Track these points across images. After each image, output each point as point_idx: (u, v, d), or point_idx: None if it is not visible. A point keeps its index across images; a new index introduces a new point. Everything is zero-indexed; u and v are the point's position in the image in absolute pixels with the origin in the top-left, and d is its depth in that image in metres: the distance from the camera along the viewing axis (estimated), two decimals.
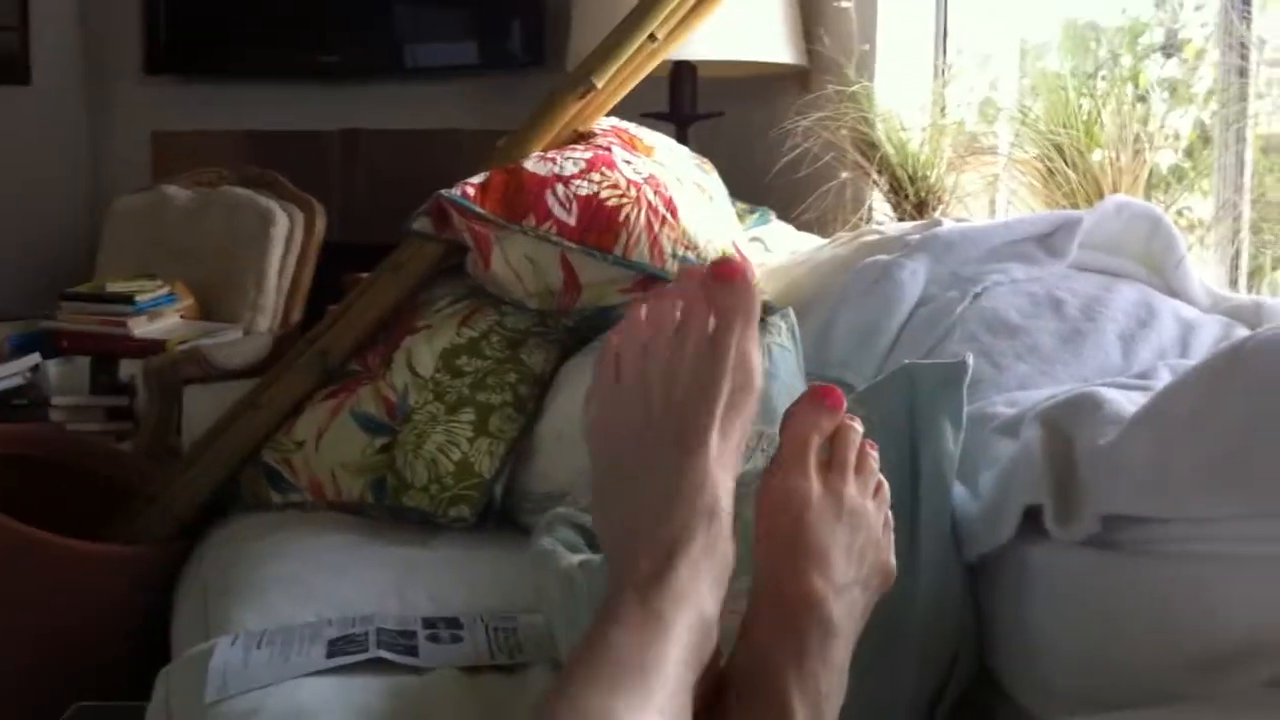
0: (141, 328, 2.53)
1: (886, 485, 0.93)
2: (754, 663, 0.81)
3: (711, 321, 0.84)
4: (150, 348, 2.46)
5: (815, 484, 0.87)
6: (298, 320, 2.71)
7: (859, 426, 0.91)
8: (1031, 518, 1.14)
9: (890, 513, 0.92)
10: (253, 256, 2.71)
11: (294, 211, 2.80)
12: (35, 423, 2.40)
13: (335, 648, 1.36)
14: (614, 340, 0.87)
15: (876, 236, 1.90)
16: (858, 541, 0.87)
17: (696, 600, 0.77)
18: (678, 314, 0.84)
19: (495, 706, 1.26)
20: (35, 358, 2.50)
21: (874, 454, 0.92)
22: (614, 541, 0.83)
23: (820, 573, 0.84)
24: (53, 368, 2.49)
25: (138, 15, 3.67)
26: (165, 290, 2.64)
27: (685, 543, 0.79)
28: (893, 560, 0.91)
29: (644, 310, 0.86)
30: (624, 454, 0.84)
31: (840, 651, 0.83)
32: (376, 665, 1.33)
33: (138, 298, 2.55)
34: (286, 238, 2.76)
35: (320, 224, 2.81)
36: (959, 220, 1.93)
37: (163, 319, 2.59)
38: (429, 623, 1.44)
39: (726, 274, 0.83)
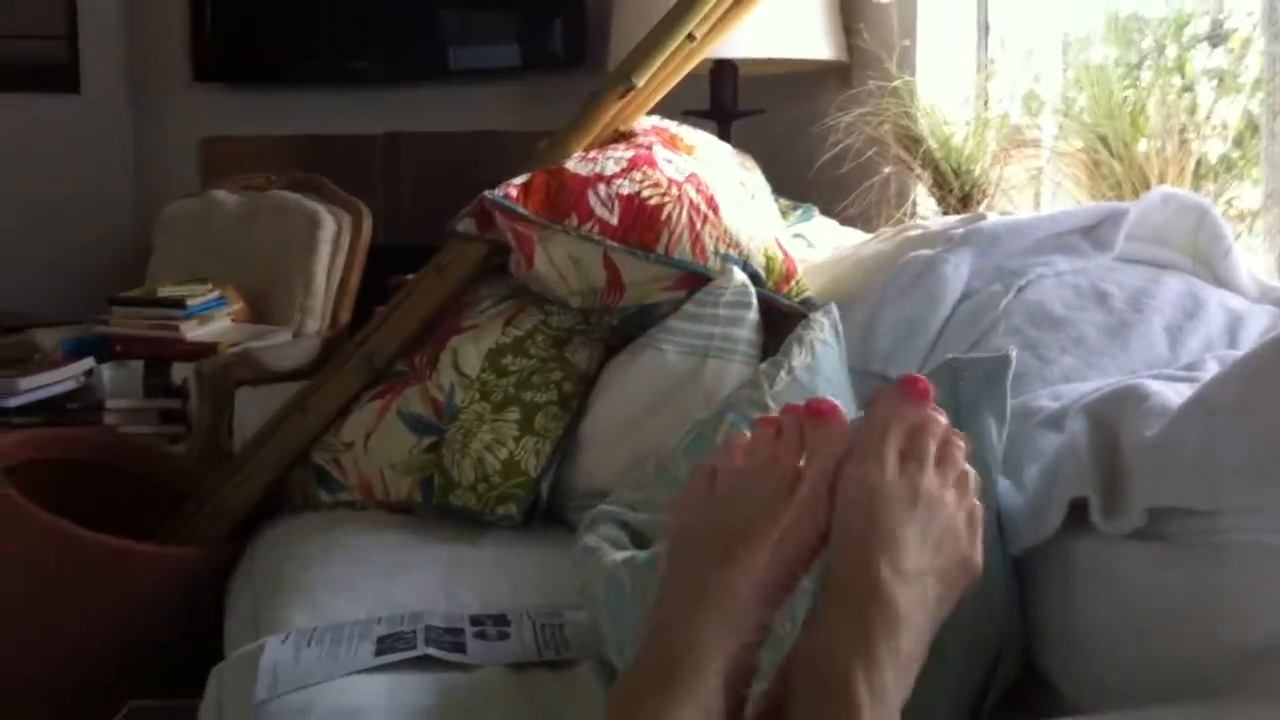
0: (193, 331, 2.56)
1: (975, 477, 0.92)
2: (818, 652, 0.82)
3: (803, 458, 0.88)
4: (202, 351, 2.49)
5: (889, 471, 0.87)
6: (346, 322, 2.73)
7: (943, 419, 0.91)
8: (1077, 511, 1.13)
9: (980, 506, 0.91)
10: (301, 260, 2.74)
11: (340, 215, 2.82)
12: (90, 426, 2.43)
13: (384, 645, 1.37)
14: (713, 459, 0.92)
15: (920, 231, 1.89)
16: (933, 531, 0.87)
17: (699, 700, 0.79)
18: (772, 446, 0.90)
19: (542, 703, 1.27)
20: (89, 362, 2.53)
21: (960, 445, 0.91)
22: (647, 634, 0.87)
23: (889, 561, 0.84)
24: (106, 371, 2.52)
25: (185, 24, 3.71)
26: (215, 294, 2.67)
27: (692, 647, 0.82)
28: (978, 555, 0.90)
29: (746, 435, 0.92)
30: (688, 561, 0.88)
31: (907, 642, 0.82)
32: (424, 662, 1.34)
33: (189, 301, 2.58)
34: (334, 241, 2.78)
35: (366, 226, 2.83)
36: (1003, 214, 1.92)
37: (213, 322, 2.62)
38: (476, 620, 1.45)
39: (818, 411, 0.89)
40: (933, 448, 0.89)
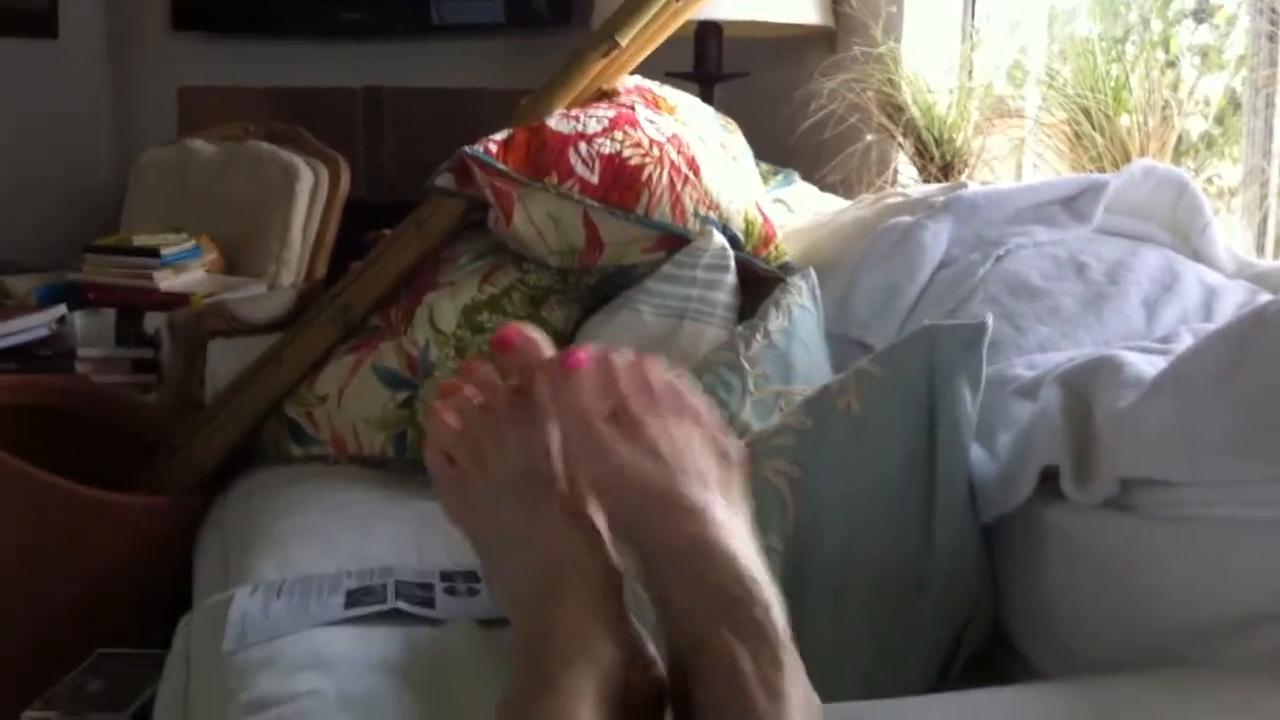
0: (167, 281, 2.54)
1: (674, 379, 0.87)
2: (682, 628, 0.79)
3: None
4: (175, 301, 2.47)
5: (618, 450, 0.82)
6: (321, 276, 2.71)
7: (613, 359, 0.85)
8: (1049, 480, 1.14)
9: (701, 395, 0.88)
10: (277, 211, 2.72)
11: (318, 167, 2.80)
12: (61, 374, 2.41)
13: (353, 599, 1.37)
14: (430, 445, 0.89)
15: (900, 199, 1.89)
16: (691, 459, 0.83)
17: (586, 647, 0.77)
18: (474, 396, 0.87)
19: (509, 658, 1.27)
20: (61, 309, 2.51)
21: (630, 362, 0.86)
22: (508, 613, 0.84)
23: (685, 513, 0.80)
24: (79, 319, 2.50)
25: None
26: (190, 244, 2.65)
27: (561, 593, 0.79)
28: (729, 438, 0.87)
29: (441, 404, 0.88)
30: (487, 530, 0.86)
31: (750, 568, 0.78)
32: (394, 616, 1.34)
33: (163, 251, 2.56)
34: (311, 193, 2.76)
35: (345, 180, 2.81)
36: (984, 183, 1.92)
37: (188, 272, 2.60)
38: (447, 576, 1.45)
39: (504, 342, 0.86)
40: (624, 394, 0.84)
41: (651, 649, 0.82)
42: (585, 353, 0.85)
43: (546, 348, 0.86)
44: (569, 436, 0.84)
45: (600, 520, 0.84)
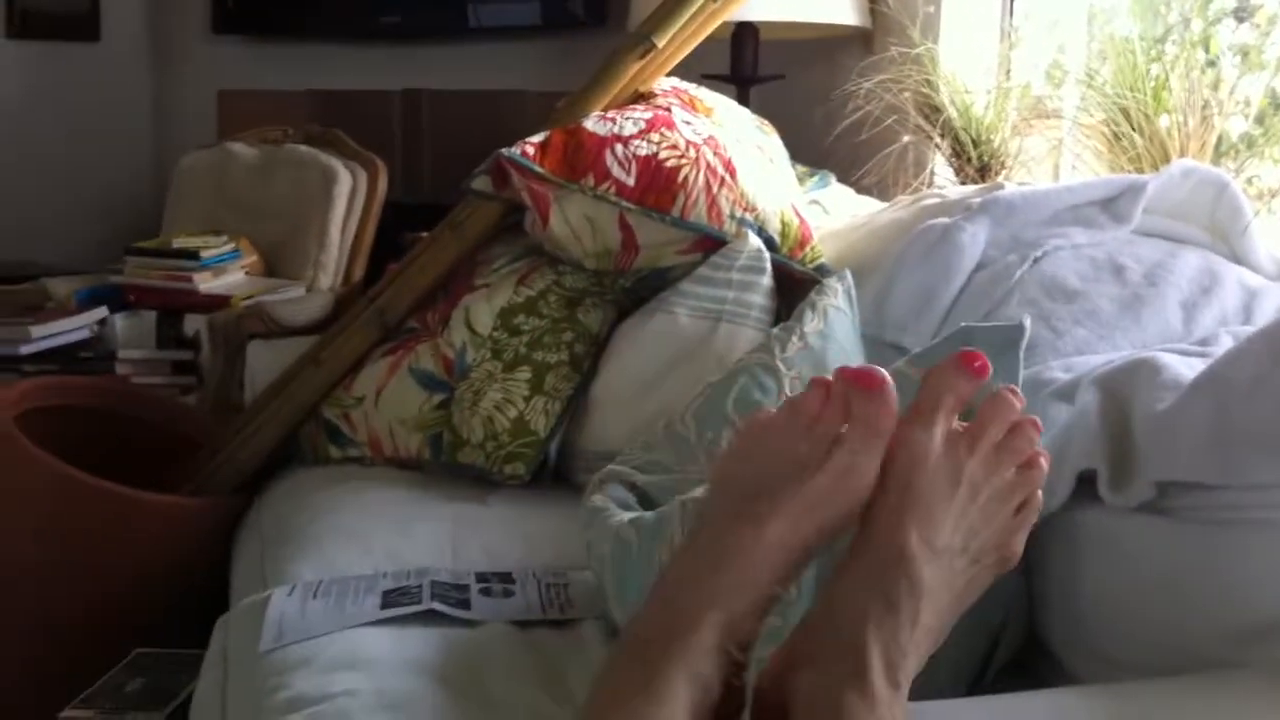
0: (206, 283, 2.56)
1: (1042, 468, 0.88)
2: (836, 610, 0.80)
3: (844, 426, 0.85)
4: (215, 303, 2.49)
5: (937, 442, 0.84)
6: (359, 278, 2.73)
7: (1016, 403, 0.88)
8: (1085, 483, 1.13)
9: (1039, 497, 0.89)
10: (316, 214, 2.74)
11: (356, 170, 2.81)
12: (102, 375, 2.44)
13: (389, 599, 1.38)
14: (759, 416, 0.89)
15: (937, 200, 1.88)
16: (972, 515, 0.84)
17: (696, 658, 0.77)
18: (817, 407, 0.86)
19: (545, 660, 1.28)
20: (103, 311, 2.53)
21: (1032, 436, 0.88)
22: (656, 585, 0.84)
23: (919, 531, 0.82)
24: (119, 321, 2.53)
25: None
26: (230, 246, 2.67)
27: (703, 612, 0.79)
28: (1018, 545, 0.88)
29: (794, 402, 0.88)
30: (709, 515, 0.86)
31: (928, 615, 0.81)
32: (429, 617, 1.35)
33: (203, 253, 2.58)
34: (349, 196, 2.77)
35: (382, 182, 2.82)
36: (1021, 184, 1.91)
37: (227, 275, 2.62)
38: (482, 577, 1.46)
39: (867, 382, 0.85)
40: (991, 431, 0.86)
41: (748, 692, 0.82)
42: (985, 362, 0.86)
43: (892, 417, 0.85)
44: (920, 397, 0.85)
45: (777, 572, 0.83)
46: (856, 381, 0.85)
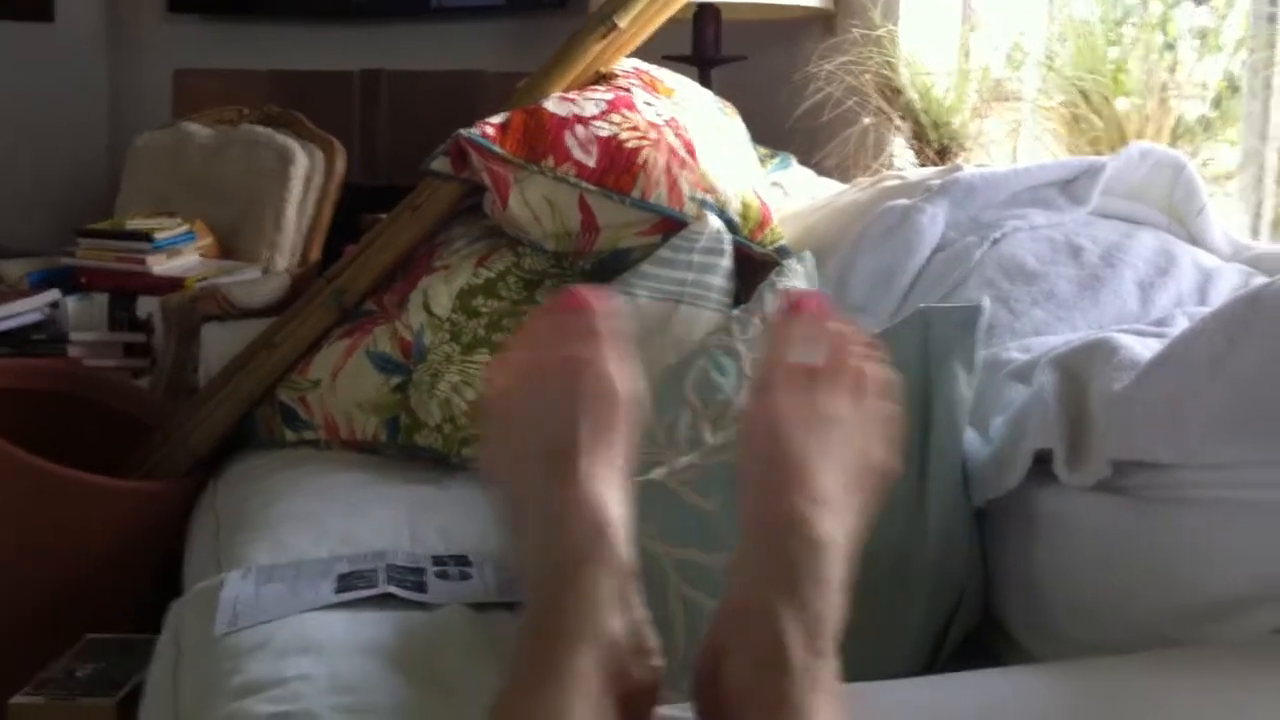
0: (160, 265, 2.53)
1: (880, 375, 0.88)
2: (744, 596, 0.79)
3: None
4: (169, 285, 2.46)
5: (785, 398, 0.84)
6: (316, 260, 2.70)
7: (843, 327, 0.88)
8: (1041, 462, 1.13)
9: (891, 403, 0.88)
10: (272, 195, 2.71)
11: (314, 151, 2.78)
12: (54, 358, 2.41)
13: (345, 583, 1.37)
14: (490, 390, 0.89)
15: (897, 182, 1.88)
16: (843, 451, 0.84)
17: (595, 625, 0.76)
18: (532, 354, 0.87)
19: (502, 643, 1.27)
20: (55, 293, 2.50)
21: (862, 345, 0.88)
22: (521, 581, 0.84)
23: (800, 489, 0.81)
24: (71, 304, 2.49)
25: None
26: (184, 228, 2.64)
27: (574, 571, 0.79)
28: (893, 459, 0.87)
29: (505, 359, 0.89)
30: (514, 491, 0.86)
31: (834, 568, 0.80)
32: (385, 600, 1.34)
33: (156, 235, 2.55)
34: (306, 177, 2.75)
35: (340, 164, 2.80)
36: (980, 166, 1.91)
37: (181, 257, 2.59)
38: (438, 560, 1.45)
39: (565, 306, 0.87)
40: (829, 361, 0.86)
41: (653, 638, 0.81)
42: (812, 299, 0.86)
43: (603, 315, 0.86)
44: (764, 362, 0.84)
45: (616, 505, 0.83)
46: (559, 308, 0.87)
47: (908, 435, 1.15)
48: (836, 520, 0.81)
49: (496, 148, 1.84)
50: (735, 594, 0.80)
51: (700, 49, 2.86)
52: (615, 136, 1.85)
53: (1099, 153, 2.03)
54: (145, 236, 2.53)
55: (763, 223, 1.90)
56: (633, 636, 0.79)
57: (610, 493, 0.83)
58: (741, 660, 0.76)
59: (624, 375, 0.85)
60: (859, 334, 0.88)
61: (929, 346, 1.19)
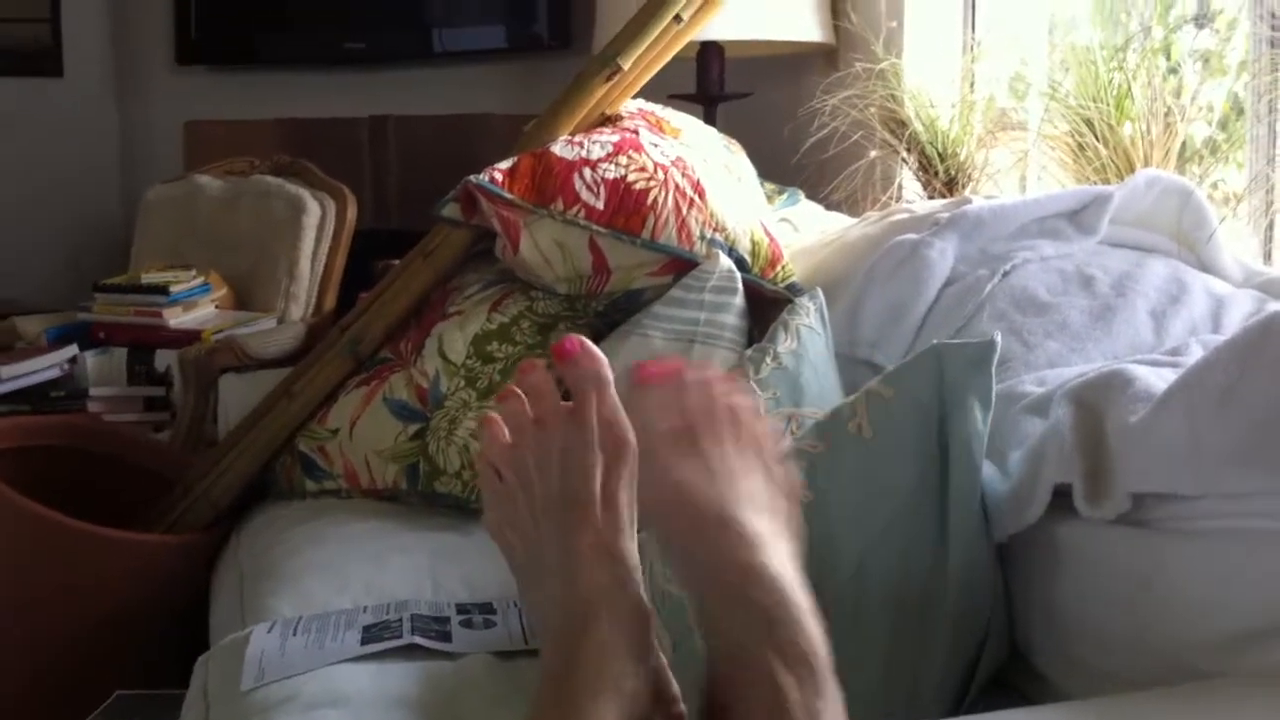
0: (177, 318, 2.55)
1: (748, 403, 0.88)
2: (729, 657, 0.79)
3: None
4: (185, 338, 2.48)
5: (675, 463, 0.84)
6: (331, 308, 2.72)
7: (694, 373, 0.87)
8: (1061, 496, 1.13)
9: (766, 422, 0.88)
10: (285, 245, 2.73)
11: (325, 199, 2.81)
12: (74, 414, 2.42)
13: (370, 634, 1.37)
14: (484, 453, 0.89)
15: (905, 215, 1.89)
16: (746, 485, 0.84)
17: (613, 676, 0.77)
18: (529, 407, 0.87)
19: (528, 690, 1.27)
20: (73, 349, 2.52)
21: (718, 384, 0.87)
22: (538, 636, 0.85)
23: (737, 541, 0.80)
24: (90, 359, 2.51)
25: (168, 6, 3.69)
26: (199, 280, 2.66)
27: (588, 623, 0.79)
28: (790, 471, 0.87)
29: (497, 415, 0.89)
30: (522, 551, 0.87)
31: (797, 598, 0.79)
32: (410, 651, 1.34)
33: (172, 288, 2.57)
34: (318, 226, 2.77)
35: (351, 211, 2.82)
36: (988, 198, 1.92)
37: (197, 309, 2.61)
38: (462, 608, 1.45)
39: (563, 353, 0.86)
40: (697, 411, 0.86)
41: (675, 686, 0.82)
42: (656, 367, 0.85)
43: (604, 364, 0.86)
44: (633, 449, 0.84)
45: (633, 554, 0.84)
46: (558, 358, 0.86)
47: (926, 473, 1.16)
48: (778, 554, 0.81)
49: (505, 193, 1.85)
50: (720, 655, 0.80)
51: (705, 87, 2.88)
52: (623, 178, 1.86)
53: (1106, 180, 2.03)
54: (161, 290, 2.55)
55: (773, 260, 1.91)
56: (653, 684, 0.80)
57: (624, 540, 0.84)
58: (745, 715, 0.76)
59: (625, 420, 0.86)
60: (709, 372, 0.88)
61: (944, 383, 1.19)
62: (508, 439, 0.88)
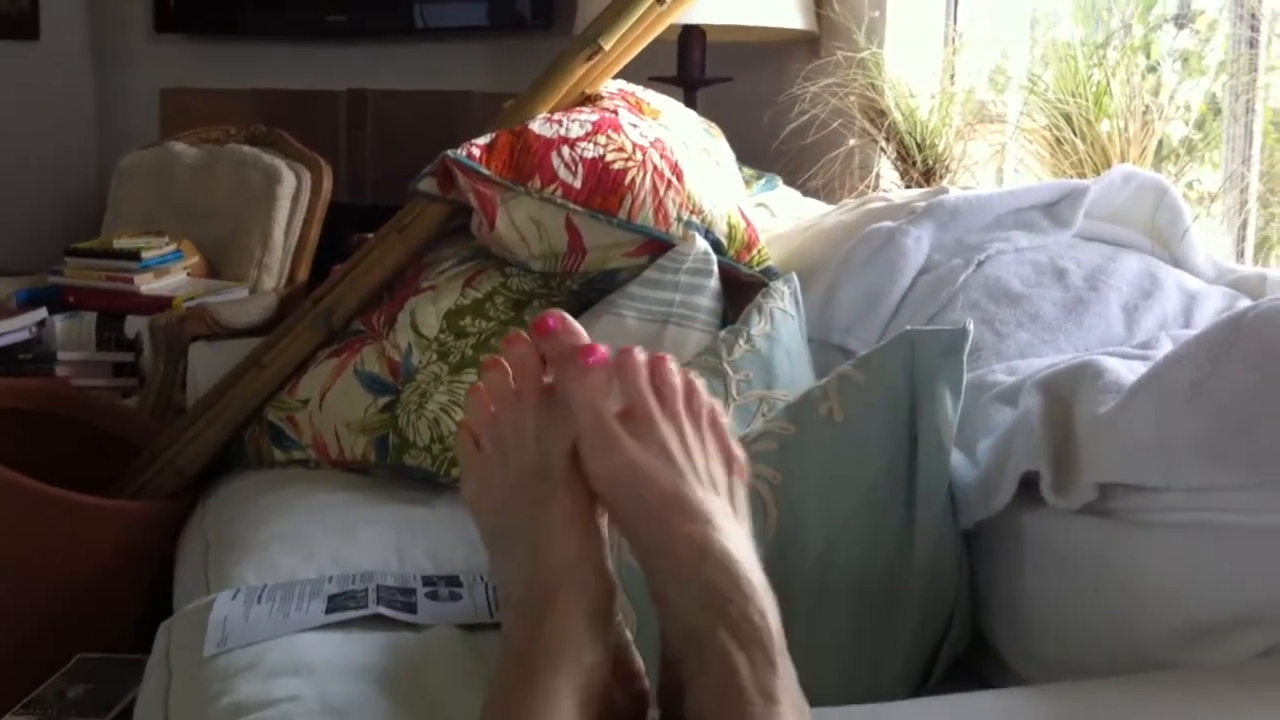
0: (148, 284, 2.54)
1: (680, 379, 0.88)
2: (682, 630, 0.79)
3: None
4: (156, 304, 2.47)
5: (625, 445, 0.83)
6: (303, 279, 2.71)
7: (621, 357, 0.87)
8: (1028, 485, 1.14)
9: (702, 396, 0.88)
10: (259, 215, 2.71)
11: (300, 170, 2.79)
12: (41, 377, 2.41)
13: (335, 604, 1.37)
14: (465, 421, 0.90)
15: (882, 204, 1.89)
16: (692, 462, 0.84)
17: (575, 650, 0.77)
18: (512, 379, 0.88)
19: (491, 664, 1.27)
20: (42, 313, 2.50)
21: (650, 365, 0.87)
22: (502, 606, 0.85)
23: (689, 517, 0.81)
24: (59, 323, 2.50)
25: None
26: (172, 247, 2.64)
27: (553, 596, 0.80)
28: (733, 445, 0.87)
29: (481, 385, 0.89)
30: (496, 521, 0.87)
31: (750, 573, 0.79)
32: (375, 621, 1.34)
33: (144, 254, 2.55)
34: (293, 197, 2.76)
35: (327, 183, 2.81)
36: (965, 188, 1.93)
37: (169, 276, 2.60)
38: (428, 581, 1.45)
39: (544, 328, 0.86)
40: (641, 392, 0.85)
41: (638, 661, 0.82)
42: (605, 348, 0.85)
43: (584, 338, 0.86)
44: (582, 430, 0.84)
45: (603, 527, 0.84)
46: (537, 331, 0.86)
47: (895, 458, 1.17)
48: (728, 529, 0.82)
49: (483, 169, 1.85)
50: (674, 627, 0.80)
51: (685, 70, 2.88)
52: (601, 158, 1.86)
53: (1082, 175, 2.04)
54: (133, 255, 2.53)
55: (749, 244, 1.91)
56: (616, 659, 0.80)
57: (591, 515, 0.84)
58: (699, 693, 0.77)
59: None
60: (636, 353, 0.87)
61: (915, 370, 1.20)
62: (487, 409, 0.88)
